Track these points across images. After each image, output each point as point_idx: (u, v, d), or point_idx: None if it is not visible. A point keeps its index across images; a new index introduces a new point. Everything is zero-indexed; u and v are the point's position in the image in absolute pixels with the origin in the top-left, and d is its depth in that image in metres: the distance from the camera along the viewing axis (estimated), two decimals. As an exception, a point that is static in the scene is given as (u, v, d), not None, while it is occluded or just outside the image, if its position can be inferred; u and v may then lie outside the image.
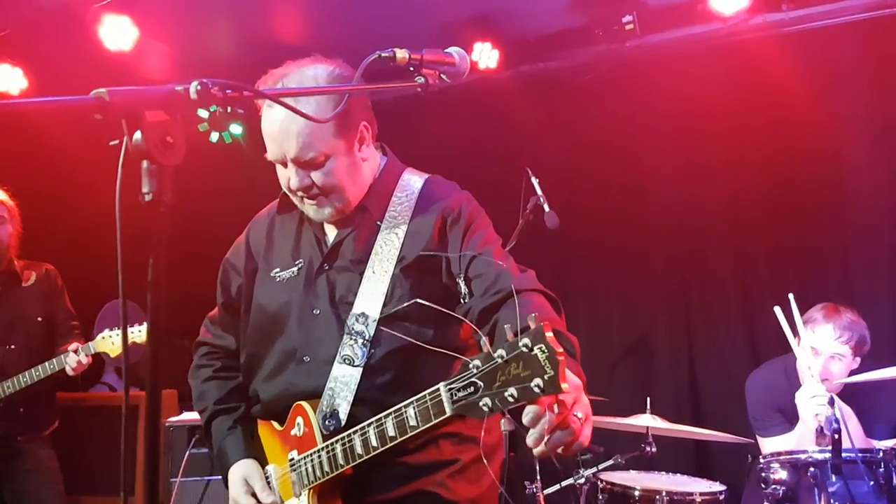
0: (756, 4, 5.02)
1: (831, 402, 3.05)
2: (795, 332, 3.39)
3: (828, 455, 2.95)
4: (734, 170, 5.33)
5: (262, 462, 2.20)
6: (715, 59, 5.32)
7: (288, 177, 2.03)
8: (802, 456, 3.07)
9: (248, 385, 2.26)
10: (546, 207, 4.33)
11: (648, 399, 4.07)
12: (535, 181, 4.40)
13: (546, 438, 1.48)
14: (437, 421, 1.70)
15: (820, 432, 3.06)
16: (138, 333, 3.89)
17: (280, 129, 1.96)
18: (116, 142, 1.22)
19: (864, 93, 5.04)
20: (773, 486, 3.08)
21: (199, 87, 1.27)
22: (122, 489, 1.20)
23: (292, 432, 2.07)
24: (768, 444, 3.64)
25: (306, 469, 2.01)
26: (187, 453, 4.06)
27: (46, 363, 4.04)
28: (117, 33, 5.06)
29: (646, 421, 3.98)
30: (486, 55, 5.54)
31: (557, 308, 1.94)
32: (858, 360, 3.55)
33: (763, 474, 3.14)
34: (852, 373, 3.53)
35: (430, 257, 2.04)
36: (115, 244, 1.21)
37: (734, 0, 4.97)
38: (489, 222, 2.13)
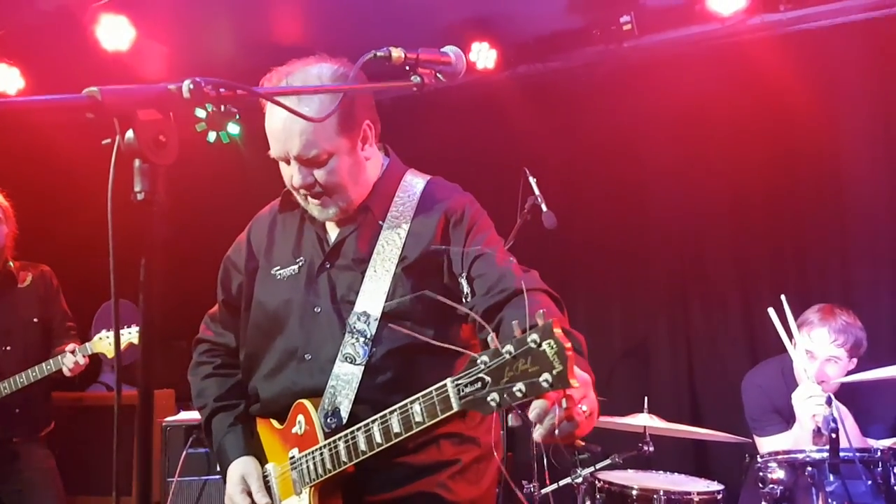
0: (754, 5, 5.02)
1: (829, 402, 3.04)
2: (790, 334, 3.39)
3: (825, 454, 2.94)
4: (733, 170, 5.33)
5: (261, 460, 2.20)
6: (713, 60, 5.32)
7: (291, 174, 2.04)
8: (800, 455, 3.07)
9: (247, 383, 2.26)
10: (544, 207, 4.33)
11: (646, 398, 4.07)
12: (532, 181, 4.40)
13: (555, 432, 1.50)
14: (443, 416, 1.70)
15: (817, 432, 3.06)
16: (133, 334, 3.89)
17: (283, 126, 1.97)
18: (109, 141, 1.22)
19: (862, 93, 5.04)
20: (771, 486, 3.08)
21: (191, 86, 1.27)
22: (115, 490, 1.20)
23: (293, 430, 2.07)
24: (765, 444, 3.64)
25: (307, 467, 2.02)
26: (184, 453, 4.05)
27: (43, 364, 4.04)
28: (115, 33, 5.07)
29: (643, 420, 3.98)
30: (483, 56, 5.54)
31: (560, 307, 1.95)
32: (855, 360, 3.54)
33: (761, 474, 3.14)
34: (849, 373, 3.52)
35: (431, 258, 2.04)
36: (109, 244, 1.21)
37: (732, 0, 4.97)
38: (491, 224, 2.14)
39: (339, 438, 1.93)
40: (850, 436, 3.04)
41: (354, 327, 2.02)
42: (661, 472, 4.05)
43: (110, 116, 1.20)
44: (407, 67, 1.81)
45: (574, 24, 5.54)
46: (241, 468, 2.18)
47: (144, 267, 1.19)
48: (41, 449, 4.25)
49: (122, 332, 3.94)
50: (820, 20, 5.09)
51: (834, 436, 2.90)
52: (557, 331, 1.45)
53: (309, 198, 2.07)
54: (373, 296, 2.03)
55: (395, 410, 1.81)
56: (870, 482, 2.96)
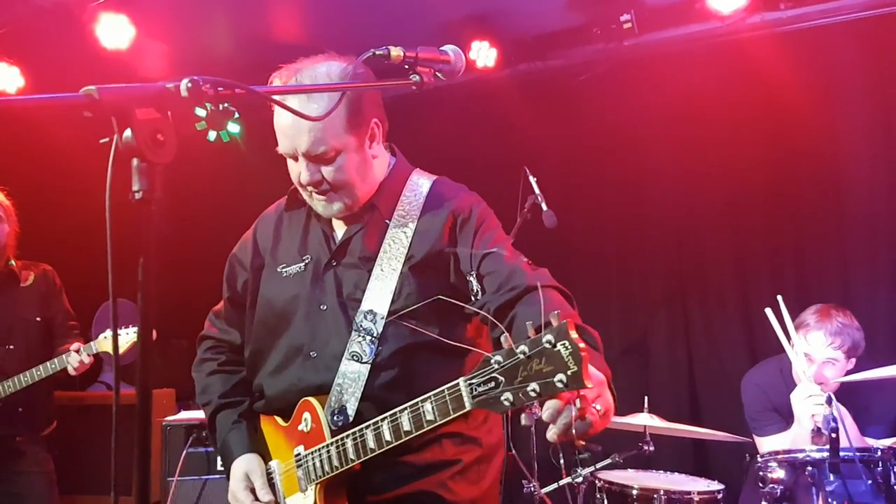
0: (754, 3, 5.01)
1: (829, 401, 3.04)
2: (787, 335, 3.39)
3: (826, 454, 2.94)
4: (732, 168, 5.33)
5: (266, 457, 2.21)
6: (713, 58, 5.31)
7: (298, 171, 2.04)
8: (800, 455, 3.06)
9: (252, 380, 2.27)
10: (544, 206, 4.33)
11: (646, 398, 4.07)
12: (532, 180, 4.40)
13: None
14: (455, 416, 1.71)
15: (817, 432, 3.06)
16: (135, 335, 3.88)
17: (292, 123, 1.97)
18: (107, 139, 1.21)
19: (861, 91, 5.03)
20: (771, 485, 3.08)
21: (189, 85, 1.27)
22: (113, 489, 1.19)
23: (299, 427, 2.08)
24: (765, 444, 3.63)
25: (314, 464, 2.02)
26: (184, 452, 4.05)
27: (48, 363, 4.04)
28: (114, 32, 5.06)
29: (644, 420, 3.98)
30: (483, 54, 5.53)
31: (572, 303, 1.96)
32: (853, 361, 3.54)
33: (761, 473, 3.13)
34: (848, 372, 3.52)
35: (438, 256, 2.05)
36: (107, 243, 1.21)
37: (732, -2, 4.97)
38: (498, 223, 2.14)
39: (347, 436, 1.93)
40: (850, 435, 3.04)
41: (361, 325, 2.02)
42: (662, 471, 4.05)
43: (108, 115, 1.20)
44: (406, 66, 1.81)
45: (574, 23, 5.53)
46: (244, 465, 2.19)
47: (142, 266, 1.19)
48: (41, 451, 4.24)
49: (123, 332, 3.95)
50: (819, 18, 5.08)
51: (834, 435, 2.90)
52: (573, 332, 1.45)
53: (315, 194, 2.07)
54: (379, 294, 2.03)
55: (405, 409, 1.81)
56: (870, 482, 2.96)
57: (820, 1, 5.03)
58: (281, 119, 2.00)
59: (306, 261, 2.17)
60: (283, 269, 2.19)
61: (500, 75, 5.75)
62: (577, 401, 1.46)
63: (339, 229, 2.18)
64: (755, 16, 5.11)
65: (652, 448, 3.95)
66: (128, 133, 1.20)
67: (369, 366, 2.00)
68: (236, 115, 6.00)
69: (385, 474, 2.01)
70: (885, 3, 4.89)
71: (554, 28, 5.63)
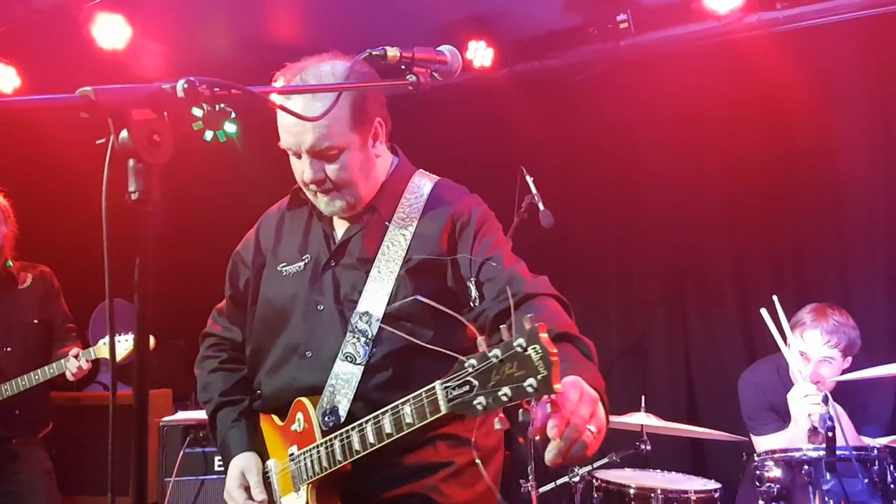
0: (750, 3, 5.02)
1: (825, 400, 3.05)
2: (783, 334, 3.40)
3: (822, 453, 2.95)
4: (729, 167, 5.33)
5: (264, 456, 2.21)
6: (709, 58, 5.32)
7: (302, 169, 2.04)
8: (797, 454, 3.07)
9: (253, 378, 2.28)
10: (541, 206, 4.33)
11: (643, 397, 4.07)
12: (529, 180, 4.41)
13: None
14: (432, 419, 1.71)
15: (813, 431, 3.06)
16: (132, 342, 3.88)
17: (297, 120, 1.95)
18: (103, 140, 1.21)
19: (859, 91, 5.04)
20: (768, 484, 3.08)
21: (185, 86, 1.27)
22: (110, 490, 1.19)
23: (292, 427, 2.09)
24: (762, 443, 3.64)
25: (305, 464, 2.03)
26: (181, 453, 4.04)
27: (46, 367, 4.03)
28: (111, 32, 5.05)
29: (641, 419, 3.99)
30: (480, 54, 5.54)
31: (569, 312, 1.96)
32: (850, 359, 3.54)
33: (758, 472, 3.14)
34: (844, 371, 3.52)
35: (436, 260, 2.05)
36: (103, 244, 1.21)
37: (728, -2, 4.98)
38: (499, 226, 2.15)
39: (335, 437, 1.94)
40: (847, 434, 3.05)
41: (356, 327, 2.02)
42: (659, 470, 4.05)
43: (104, 116, 1.20)
44: (403, 66, 1.81)
45: (571, 23, 5.54)
46: (241, 464, 2.20)
47: (139, 267, 1.19)
48: (39, 451, 4.24)
49: (121, 339, 3.95)
50: (816, 18, 5.09)
51: (830, 434, 2.90)
52: (543, 335, 1.44)
53: (318, 193, 2.08)
54: (376, 296, 2.04)
55: (387, 411, 1.82)
56: (866, 480, 2.97)
57: (816, 0, 5.03)
58: (285, 116, 2.01)
59: (306, 260, 2.17)
60: (284, 268, 2.20)
61: (497, 75, 5.76)
62: (548, 406, 1.46)
63: (340, 229, 2.19)
64: (751, 15, 5.12)
65: (649, 447, 3.95)
66: (124, 134, 1.20)
67: (363, 367, 2.01)
68: (233, 116, 5.99)
69: (380, 474, 2.01)
70: (881, 3, 4.90)
71: (551, 28, 5.63)
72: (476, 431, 2.10)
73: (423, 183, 2.19)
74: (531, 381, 1.45)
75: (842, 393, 3.44)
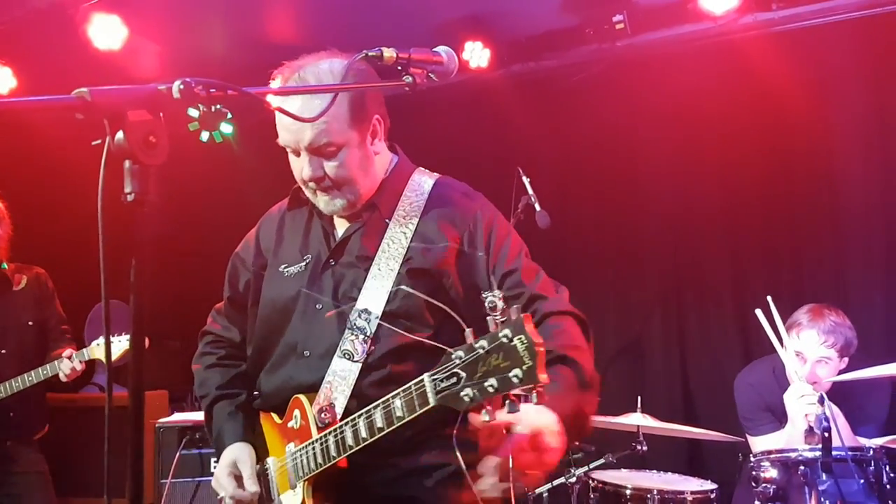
0: (746, 3, 5.03)
1: (821, 401, 3.05)
2: (778, 335, 3.40)
3: (818, 453, 2.95)
4: (726, 168, 5.34)
5: (264, 454, 2.21)
6: (706, 59, 5.32)
7: (301, 167, 2.04)
8: (793, 454, 3.08)
9: (254, 377, 2.27)
10: (537, 207, 4.34)
11: (640, 398, 4.07)
12: (526, 181, 4.41)
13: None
14: (421, 411, 1.72)
15: (810, 432, 3.07)
16: (127, 342, 3.87)
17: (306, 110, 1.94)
18: (99, 141, 1.21)
19: (855, 91, 5.05)
20: (764, 485, 3.09)
21: (181, 87, 1.27)
22: (106, 492, 1.19)
23: (290, 424, 2.10)
24: (758, 443, 3.64)
25: (302, 461, 2.03)
26: (178, 454, 4.04)
27: (40, 369, 4.02)
28: (107, 32, 5.04)
29: (637, 420, 3.99)
30: (477, 54, 5.53)
31: (586, 331, 1.98)
32: (846, 360, 3.55)
33: (754, 473, 3.14)
34: (840, 372, 3.53)
35: (437, 258, 2.04)
36: (99, 245, 1.20)
37: (724, -1, 4.99)
38: (508, 226, 2.14)
39: (330, 433, 1.94)
40: (843, 435, 3.05)
41: (355, 324, 2.02)
42: (655, 471, 4.06)
43: (100, 117, 1.20)
44: (399, 67, 1.81)
45: (567, 23, 5.54)
46: (234, 453, 2.19)
47: (135, 268, 1.19)
48: (34, 453, 4.23)
49: (116, 339, 3.94)
50: (812, 18, 5.10)
51: (826, 435, 2.91)
52: (529, 326, 1.46)
53: (318, 192, 2.08)
54: (375, 294, 2.03)
55: (378, 405, 1.83)
56: (862, 481, 2.97)
57: (812, 1, 5.04)
58: (292, 107, 1.99)
59: (307, 260, 2.17)
60: (285, 269, 2.20)
61: (493, 76, 5.75)
62: (534, 395, 1.47)
63: (340, 227, 2.18)
64: (747, 16, 5.12)
65: (645, 448, 3.96)
66: (120, 135, 1.20)
67: (360, 364, 2.00)
68: (229, 116, 5.99)
69: (377, 475, 2.01)
70: (877, 4, 4.91)
71: (547, 29, 5.63)
72: (474, 432, 2.10)
73: (423, 181, 2.19)
74: (517, 371, 1.46)
75: (838, 393, 3.45)
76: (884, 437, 3.42)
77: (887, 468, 2.99)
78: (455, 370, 1.57)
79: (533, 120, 5.69)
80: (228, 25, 5.33)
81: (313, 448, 1.99)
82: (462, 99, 5.83)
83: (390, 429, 1.81)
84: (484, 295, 1.99)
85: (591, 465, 4.01)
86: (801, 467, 3.00)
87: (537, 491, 4.08)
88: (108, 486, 1.17)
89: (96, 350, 4.02)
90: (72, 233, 5.29)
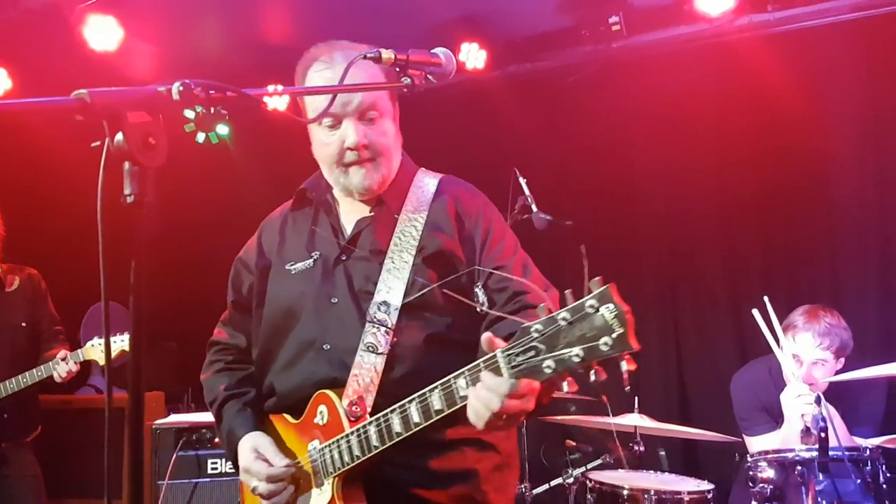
0: (742, 5, 5.04)
1: (818, 401, 3.06)
2: (775, 336, 3.41)
3: (815, 454, 2.96)
4: (722, 169, 5.35)
5: None
6: (701, 60, 5.34)
7: (344, 136, 2.05)
8: (790, 455, 3.08)
9: (262, 380, 2.24)
10: (534, 207, 4.34)
11: (637, 398, 4.07)
12: (522, 181, 4.41)
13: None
14: None
15: (806, 432, 3.07)
16: (125, 342, 3.87)
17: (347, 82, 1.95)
18: (98, 143, 1.21)
19: (850, 92, 5.07)
20: (761, 485, 3.09)
21: (181, 88, 1.27)
22: (107, 495, 1.19)
23: (315, 421, 2.04)
24: (755, 443, 3.65)
25: (332, 456, 1.98)
26: (174, 456, 4.03)
27: (34, 370, 4.01)
28: (102, 34, 5.03)
29: (634, 420, 3.99)
30: (473, 55, 5.54)
31: None
32: (843, 360, 3.56)
33: (751, 473, 3.15)
34: (837, 372, 3.54)
35: (448, 250, 2.06)
36: (99, 246, 1.20)
37: (720, 1, 4.99)
38: (506, 225, 2.17)
39: (370, 423, 1.90)
40: (839, 435, 3.06)
41: (375, 317, 2.01)
42: (652, 471, 4.06)
43: (100, 118, 1.20)
44: (397, 69, 1.82)
45: (563, 24, 5.55)
46: (251, 441, 2.14)
47: (134, 269, 1.18)
48: (28, 455, 4.22)
49: (112, 339, 3.92)
50: (807, 20, 5.12)
51: (823, 435, 2.91)
52: (616, 295, 1.46)
53: (353, 166, 2.08)
54: (392, 286, 2.03)
55: (436, 387, 1.78)
56: (858, 481, 2.98)
57: (807, 3, 5.06)
58: (328, 82, 2.03)
59: (315, 257, 2.16)
60: (291, 267, 2.19)
61: (489, 77, 5.76)
62: (623, 363, 1.47)
63: (349, 224, 2.18)
64: (743, 17, 5.14)
65: (642, 448, 3.96)
66: (119, 136, 1.20)
67: (385, 356, 1.98)
68: (227, 118, 5.97)
69: (407, 476, 1.97)
70: (872, 5, 4.93)
71: (543, 30, 5.65)
72: (497, 433, 2.04)
73: (427, 179, 2.22)
74: (605, 339, 1.46)
75: (834, 393, 3.45)
76: (880, 436, 3.43)
77: (884, 468, 3.00)
78: (533, 344, 1.55)
79: (529, 121, 5.70)
80: (224, 27, 5.32)
81: (347, 441, 1.94)
82: (458, 100, 5.83)
83: (450, 410, 1.76)
84: (474, 287, 2.01)
85: (589, 466, 4.02)
86: (798, 467, 3.01)
87: (535, 491, 4.09)
88: (109, 488, 1.16)
89: (91, 351, 4.01)
90: (69, 234, 5.29)
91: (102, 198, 1.20)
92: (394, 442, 1.86)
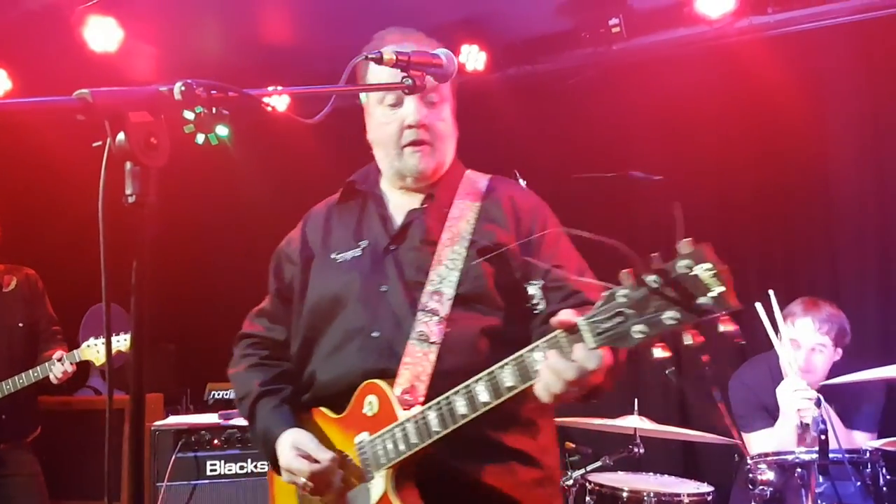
0: (742, 7, 5.04)
1: (818, 403, 3.06)
2: (776, 329, 3.41)
3: (815, 456, 2.96)
4: (721, 170, 5.35)
5: None
6: (701, 62, 5.34)
7: (407, 113, 2.06)
8: (789, 457, 3.08)
9: (300, 372, 2.18)
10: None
11: (636, 400, 4.07)
12: (522, 183, 4.40)
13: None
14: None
15: (803, 429, 3.08)
16: (123, 342, 3.86)
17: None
18: (100, 143, 1.21)
19: (849, 95, 5.07)
20: (761, 487, 3.09)
21: (183, 88, 1.27)
22: (107, 496, 1.18)
23: (363, 411, 1.97)
24: (752, 440, 3.65)
25: (384, 447, 1.91)
26: (173, 457, 4.02)
27: (31, 371, 4.00)
28: (102, 35, 5.03)
29: (633, 422, 3.99)
30: (473, 57, 5.55)
31: None
32: (840, 351, 3.56)
33: (750, 475, 3.14)
34: (836, 368, 3.54)
35: (501, 244, 2.05)
36: (100, 247, 1.20)
37: (720, 3, 4.99)
38: (560, 230, 2.15)
39: (430, 407, 1.84)
40: (839, 437, 3.06)
41: (427, 306, 1.98)
42: (651, 473, 4.05)
43: (101, 119, 1.19)
44: (399, 69, 1.81)
45: (563, 27, 5.55)
46: (290, 438, 2.07)
47: (136, 270, 1.18)
48: (27, 455, 4.22)
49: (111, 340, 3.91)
50: (807, 22, 5.12)
51: (823, 437, 2.91)
52: (711, 254, 1.41)
53: (407, 148, 2.08)
54: (445, 276, 2.01)
55: (507, 363, 1.73)
56: (858, 483, 2.98)
57: (808, 5, 5.06)
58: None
59: (363, 246, 2.14)
60: (338, 256, 2.15)
61: (489, 79, 5.76)
62: (720, 326, 1.42)
63: (398, 216, 2.16)
64: (743, 20, 5.13)
65: (642, 450, 3.96)
66: (121, 136, 1.19)
67: (437, 346, 1.95)
68: (227, 118, 5.97)
69: (467, 462, 1.93)
70: (872, 7, 4.93)
71: (543, 32, 5.65)
72: (538, 448, 2.03)
73: (476, 177, 2.23)
74: (703, 299, 1.40)
75: (832, 395, 3.45)
76: (880, 439, 3.43)
77: (884, 470, 2.99)
78: (620, 310, 1.50)
79: (529, 123, 5.69)
80: (224, 28, 5.32)
81: (402, 429, 1.87)
82: (458, 102, 5.81)
83: (524, 385, 1.70)
84: (526, 285, 1.99)
85: (588, 468, 4.01)
86: (798, 469, 3.01)
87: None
88: (109, 489, 1.16)
89: (87, 351, 4.00)
90: (69, 234, 5.29)
91: (104, 198, 1.20)
92: (458, 425, 1.79)
